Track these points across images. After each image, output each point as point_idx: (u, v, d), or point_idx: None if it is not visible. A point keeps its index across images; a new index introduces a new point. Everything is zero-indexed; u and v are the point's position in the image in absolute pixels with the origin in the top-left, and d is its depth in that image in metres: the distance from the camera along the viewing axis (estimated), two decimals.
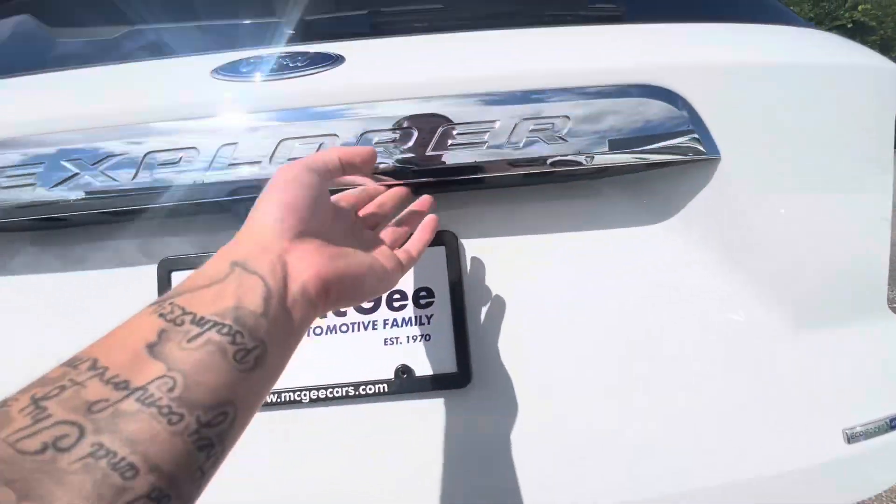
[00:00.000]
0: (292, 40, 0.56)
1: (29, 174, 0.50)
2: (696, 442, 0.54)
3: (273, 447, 0.55)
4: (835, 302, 0.60)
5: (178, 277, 0.56)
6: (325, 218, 0.38)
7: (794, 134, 0.55)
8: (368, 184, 0.50)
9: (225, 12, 0.64)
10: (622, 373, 0.55)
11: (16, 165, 0.50)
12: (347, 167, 0.42)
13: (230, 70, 0.51)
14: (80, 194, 0.50)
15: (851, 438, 0.58)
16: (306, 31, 0.58)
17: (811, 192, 0.57)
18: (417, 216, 0.50)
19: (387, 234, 0.47)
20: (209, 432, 0.25)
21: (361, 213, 0.47)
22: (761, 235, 0.56)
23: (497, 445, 0.53)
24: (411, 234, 0.49)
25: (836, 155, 0.56)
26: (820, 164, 0.57)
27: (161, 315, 0.27)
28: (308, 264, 0.33)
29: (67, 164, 0.49)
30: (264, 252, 0.31)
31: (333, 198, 0.43)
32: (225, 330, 0.27)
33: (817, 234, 0.57)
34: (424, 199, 0.51)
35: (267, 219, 0.34)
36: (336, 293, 0.35)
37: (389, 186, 0.51)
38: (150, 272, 0.56)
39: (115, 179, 0.49)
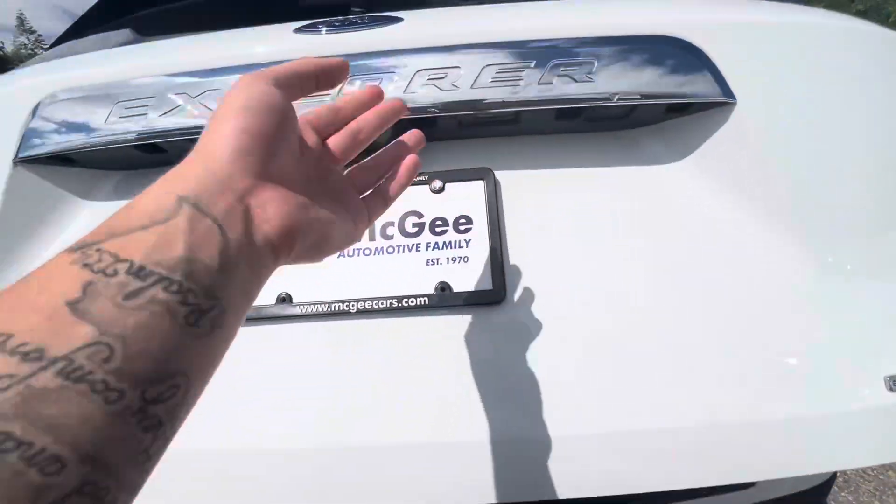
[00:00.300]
0: (358, 12, 0.65)
1: (143, 105, 0.58)
2: (719, 375, 0.53)
3: (320, 354, 0.57)
4: (867, 247, 0.58)
5: None
6: (292, 150, 0.30)
7: (804, 84, 0.58)
8: (338, 100, 0.39)
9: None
10: (647, 298, 0.55)
11: (135, 99, 0.58)
12: (322, 78, 0.34)
13: (309, 28, 0.60)
14: (181, 121, 0.57)
15: (895, 387, 0.54)
16: (371, 3, 0.67)
17: (825, 139, 0.58)
18: (397, 151, 0.41)
19: (359, 172, 0.39)
20: (157, 409, 0.19)
21: (331, 142, 0.38)
22: (780, 175, 0.57)
23: (527, 358, 0.54)
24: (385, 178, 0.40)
25: (846, 104, 0.58)
26: (831, 113, 0.58)
27: (86, 265, 0.20)
28: (274, 212, 0.26)
29: (173, 97, 0.57)
30: (221, 190, 0.24)
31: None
32: (175, 287, 0.21)
33: (837, 178, 0.58)
34: (413, 134, 0.42)
35: (225, 148, 0.26)
36: (299, 248, 0.29)
37: (368, 104, 0.40)
38: None
39: (209, 108, 0.56)
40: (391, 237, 0.60)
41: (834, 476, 1.11)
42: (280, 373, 0.57)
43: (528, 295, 0.57)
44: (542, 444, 0.52)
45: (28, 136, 0.64)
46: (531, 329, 0.56)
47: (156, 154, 0.64)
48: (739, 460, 0.53)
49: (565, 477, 0.53)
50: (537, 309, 0.56)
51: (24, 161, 0.64)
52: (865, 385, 0.54)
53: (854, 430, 0.53)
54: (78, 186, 0.67)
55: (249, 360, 0.58)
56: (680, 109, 0.59)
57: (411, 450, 0.53)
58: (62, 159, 0.65)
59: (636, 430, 0.52)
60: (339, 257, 0.60)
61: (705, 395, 0.53)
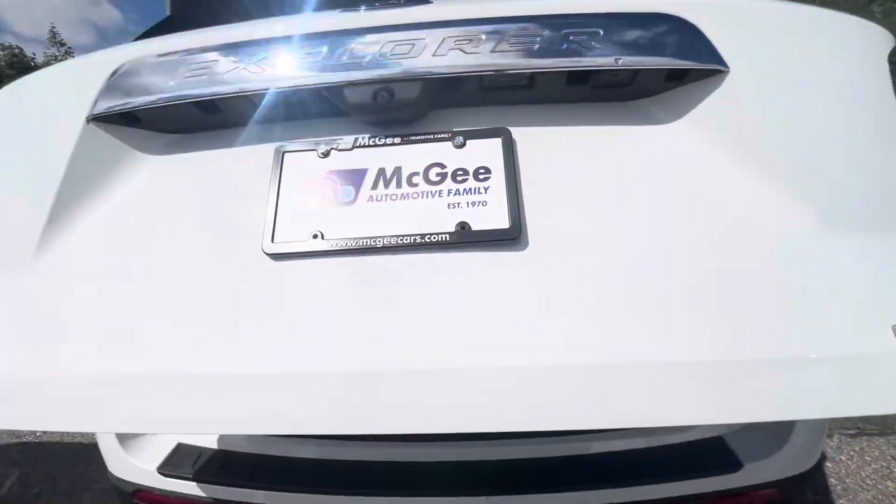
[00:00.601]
0: None
1: (204, 70, 0.62)
2: (719, 317, 0.53)
3: (347, 287, 0.57)
4: (865, 205, 0.58)
5: (288, 158, 0.64)
6: None
7: (788, 55, 0.60)
8: None
9: None
10: (648, 240, 0.56)
11: (198, 64, 0.62)
12: None
13: (350, 8, 0.64)
14: (236, 83, 0.61)
15: None
16: None
17: (810, 106, 0.60)
18: None
19: None
20: None
21: None
22: (771, 135, 0.58)
23: (538, 290, 0.54)
24: None
25: (825, 71, 0.60)
26: (814, 81, 0.60)
27: None
28: None
29: (231, 63, 0.61)
30: None
31: None
32: None
33: (824, 140, 0.59)
34: None
35: None
36: None
37: None
38: (269, 154, 0.64)
39: (262, 69, 0.60)
40: (416, 185, 0.61)
41: (820, 464, 1.06)
42: (311, 304, 0.58)
43: (541, 234, 0.58)
44: (545, 373, 0.52)
45: (101, 98, 0.68)
46: (542, 264, 0.56)
47: (211, 114, 0.67)
48: (740, 400, 0.51)
49: (573, 405, 0.51)
50: (549, 247, 0.57)
51: (96, 119, 0.68)
52: (872, 332, 0.52)
53: (858, 376, 0.51)
54: (138, 143, 0.70)
55: (284, 293, 0.59)
56: (678, 78, 0.61)
57: (430, 374, 0.53)
58: (128, 119, 0.68)
59: (638, 362, 0.51)
60: (368, 200, 0.61)
61: (704, 335, 0.53)
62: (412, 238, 0.59)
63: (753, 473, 0.91)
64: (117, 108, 0.67)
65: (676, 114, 0.64)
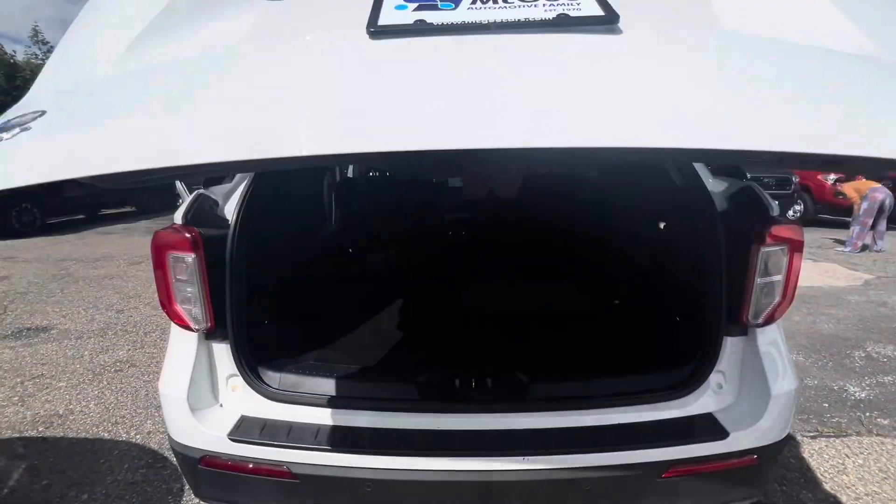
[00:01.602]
0: None
1: None
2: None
3: (450, 59, 0.45)
4: None
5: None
6: None
7: None
8: None
9: None
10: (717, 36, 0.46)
11: None
12: None
13: None
14: None
15: None
16: None
17: None
18: None
19: None
20: None
21: None
22: None
23: (637, 62, 0.47)
24: None
25: None
26: None
27: None
28: None
29: None
30: None
31: None
32: None
33: None
34: None
35: None
36: None
37: None
38: None
39: None
40: (511, 2, 0.51)
41: (789, 440, 0.94)
42: (413, 70, 0.44)
43: (633, 23, 0.47)
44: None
45: None
46: (636, 45, 0.46)
47: None
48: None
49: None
50: (640, 34, 0.46)
51: None
52: None
53: None
54: None
55: (386, 65, 0.45)
56: None
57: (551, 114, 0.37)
58: None
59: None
60: (468, 9, 0.50)
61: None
62: (517, 19, 0.47)
63: (737, 441, 0.89)
64: None
65: None
